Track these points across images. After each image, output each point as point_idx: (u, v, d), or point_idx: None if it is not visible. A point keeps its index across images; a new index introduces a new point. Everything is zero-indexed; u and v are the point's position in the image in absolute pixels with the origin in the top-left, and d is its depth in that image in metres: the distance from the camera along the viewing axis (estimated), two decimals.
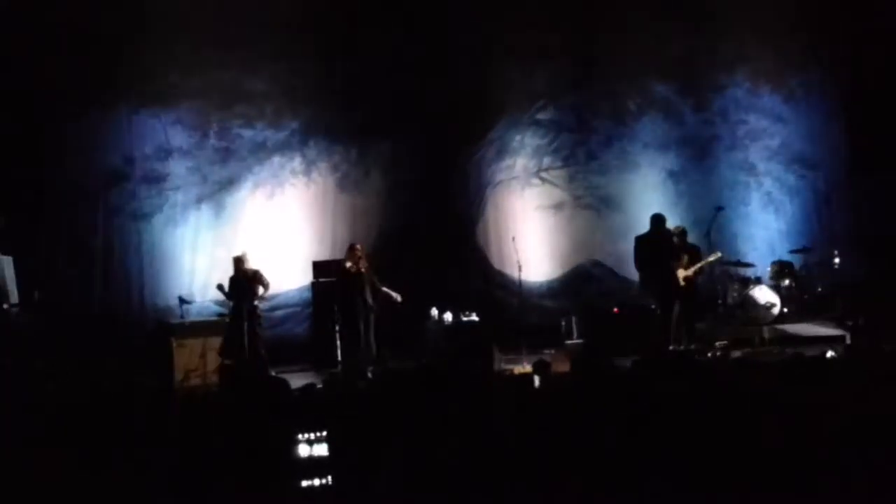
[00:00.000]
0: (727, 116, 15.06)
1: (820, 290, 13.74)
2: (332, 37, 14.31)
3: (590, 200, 14.95)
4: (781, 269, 13.58)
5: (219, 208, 14.16)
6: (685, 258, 12.37)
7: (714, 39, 14.90)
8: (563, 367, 11.03)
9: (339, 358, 12.34)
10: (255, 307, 12.14)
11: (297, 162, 14.46)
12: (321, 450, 6.46)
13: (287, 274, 13.97)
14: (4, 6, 13.16)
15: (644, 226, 12.60)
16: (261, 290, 12.18)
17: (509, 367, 11.52)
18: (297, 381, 10.43)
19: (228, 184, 14.24)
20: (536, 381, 7.72)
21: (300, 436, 6.50)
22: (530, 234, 14.56)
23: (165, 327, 12.49)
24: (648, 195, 14.68)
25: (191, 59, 13.92)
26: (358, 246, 12.61)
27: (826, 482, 5.76)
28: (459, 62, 14.58)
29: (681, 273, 12.30)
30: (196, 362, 12.10)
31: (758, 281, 13.41)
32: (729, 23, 14.85)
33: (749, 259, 13.91)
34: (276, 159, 14.40)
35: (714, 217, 13.73)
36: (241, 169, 14.26)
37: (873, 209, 14.36)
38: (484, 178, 14.86)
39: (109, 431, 6.57)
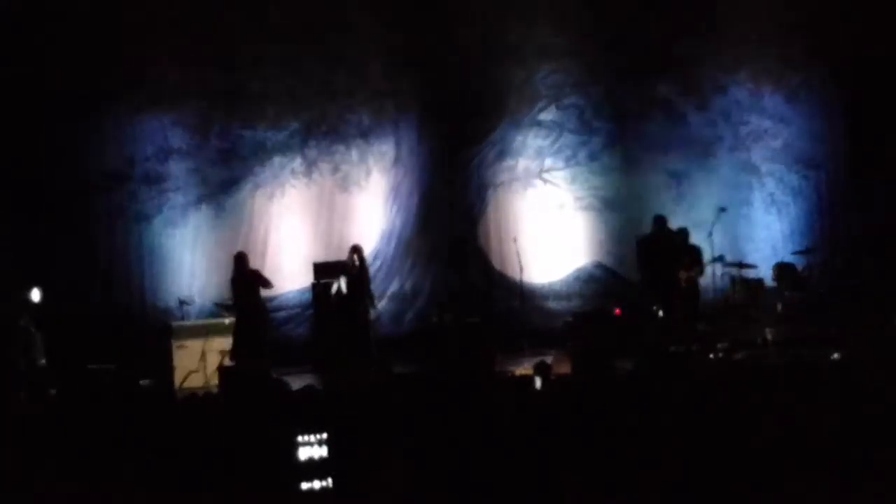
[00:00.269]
0: (729, 117, 15.01)
1: (823, 291, 13.69)
2: (332, 36, 14.28)
3: (591, 201, 14.91)
4: (784, 270, 13.53)
5: (219, 209, 14.13)
6: (687, 260, 12.36)
7: (716, 40, 14.85)
8: (564, 368, 11.03)
9: (340, 360, 12.29)
10: (259, 306, 12.13)
11: (297, 162, 14.43)
12: (321, 452, 6.43)
13: (287, 275, 13.94)
14: (4, 6, 13.15)
15: (646, 227, 12.57)
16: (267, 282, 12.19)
17: (510, 368, 11.47)
18: (297, 382, 10.44)
19: (229, 185, 14.21)
20: (538, 382, 7.69)
21: (300, 438, 6.48)
22: (532, 236, 14.52)
23: (165, 328, 12.47)
24: (650, 196, 14.64)
25: (191, 59, 13.90)
26: (359, 247, 12.59)
27: (827, 483, 5.74)
28: (460, 63, 14.55)
29: (682, 274, 12.28)
30: (196, 363, 12.08)
31: (759, 282, 13.38)
32: (731, 23, 14.80)
33: (751, 260, 13.86)
34: (277, 160, 14.37)
35: (716, 218, 13.70)
36: (241, 170, 14.23)
37: (876, 210, 14.31)
38: (485, 179, 14.83)
39: (109, 433, 6.55)
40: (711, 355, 11.75)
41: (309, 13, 14.17)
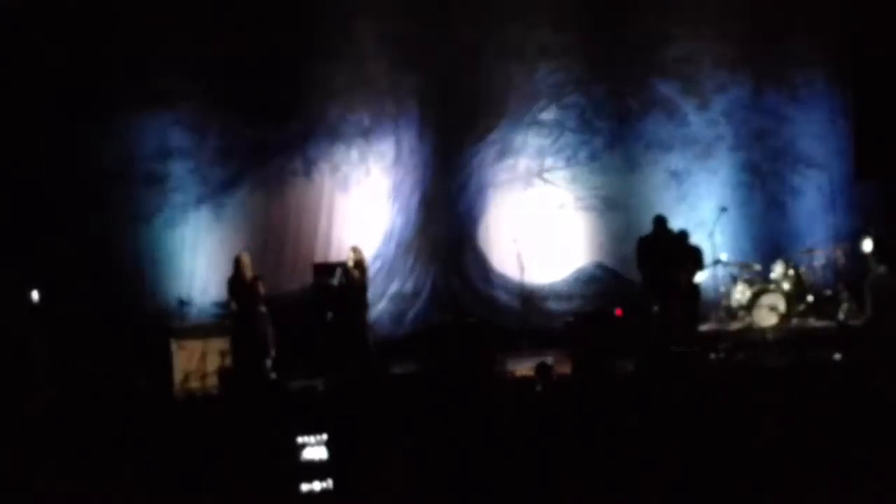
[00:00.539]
0: (731, 116, 14.98)
1: (825, 291, 13.68)
2: (332, 37, 14.27)
3: (592, 201, 14.89)
4: (785, 270, 13.52)
5: (219, 209, 14.11)
6: (687, 259, 12.36)
7: (717, 39, 14.83)
8: (565, 369, 11.03)
9: (340, 360, 12.29)
10: (258, 307, 12.14)
11: (297, 162, 14.42)
12: (321, 453, 6.42)
13: (287, 275, 13.93)
14: (4, 6, 13.15)
15: (647, 227, 12.55)
16: (262, 290, 12.18)
17: (510, 368, 11.46)
18: (297, 383, 10.43)
19: (229, 184, 14.20)
20: (538, 383, 7.69)
21: (300, 439, 6.47)
22: (532, 236, 14.50)
23: (165, 329, 12.45)
24: (651, 196, 14.62)
25: (190, 59, 13.89)
26: (358, 247, 12.59)
27: (827, 483, 5.73)
28: (460, 63, 14.54)
29: (683, 275, 12.27)
30: (196, 364, 12.07)
31: (761, 282, 13.37)
32: (732, 22, 14.78)
33: (753, 260, 13.86)
34: (277, 160, 14.36)
35: (718, 218, 13.69)
36: (241, 169, 14.22)
37: (878, 209, 14.30)
38: (485, 178, 14.82)
39: (109, 433, 6.54)
40: (711, 355, 11.75)
41: (309, 13, 14.16)
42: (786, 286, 13.35)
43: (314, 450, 6.43)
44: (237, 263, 12.24)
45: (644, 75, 14.83)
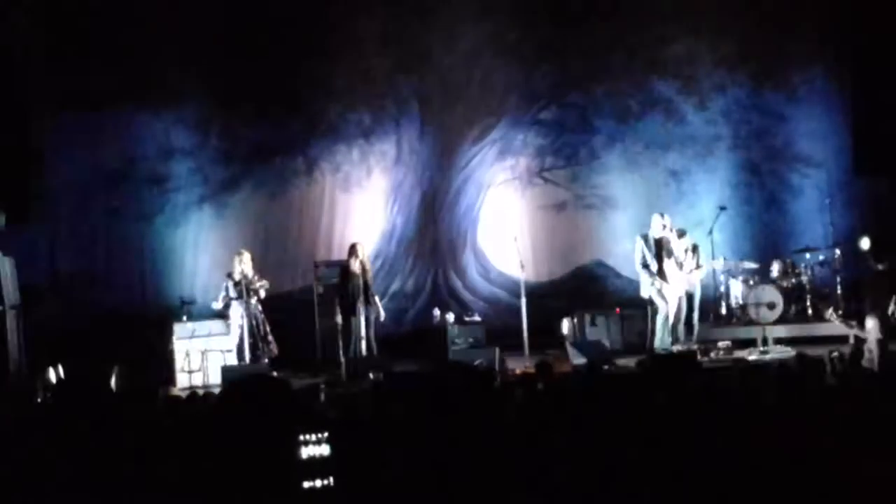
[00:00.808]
0: (729, 116, 15.00)
1: (823, 289, 13.70)
2: (333, 37, 14.29)
3: (592, 200, 14.93)
4: (784, 268, 13.54)
5: (221, 209, 14.16)
6: (688, 259, 12.39)
7: (716, 38, 14.85)
8: (565, 367, 11.06)
9: (341, 359, 12.32)
10: (260, 306, 12.19)
11: (298, 162, 14.46)
12: (323, 450, 6.44)
13: (289, 274, 13.97)
14: (4, 5, 13.17)
15: (646, 225, 12.58)
16: (262, 291, 12.21)
17: (511, 368, 11.49)
18: (298, 381, 10.47)
19: (230, 184, 14.25)
20: (539, 382, 7.72)
21: (301, 437, 6.49)
22: (532, 234, 14.54)
23: (167, 328, 12.48)
24: (651, 195, 14.65)
25: (192, 59, 13.92)
26: (359, 246, 12.61)
27: (827, 482, 5.74)
28: (460, 62, 14.56)
29: (682, 274, 12.30)
30: (197, 363, 12.10)
31: (760, 281, 13.39)
32: (731, 21, 14.80)
33: (752, 259, 13.88)
34: (278, 159, 14.40)
35: (717, 217, 13.71)
36: (242, 169, 14.26)
37: (877, 208, 14.31)
38: (486, 178, 14.85)
39: (109, 433, 6.56)
40: (712, 354, 11.79)
41: (309, 13, 14.18)
42: (784, 285, 13.37)
43: (315, 447, 6.45)
44: (239, 259, 12.30)
45: (643, 75, 14.85)
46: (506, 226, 14.41)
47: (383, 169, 14.65)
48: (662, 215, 12.46)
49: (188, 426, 6.90)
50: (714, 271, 13.48)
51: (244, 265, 12.20)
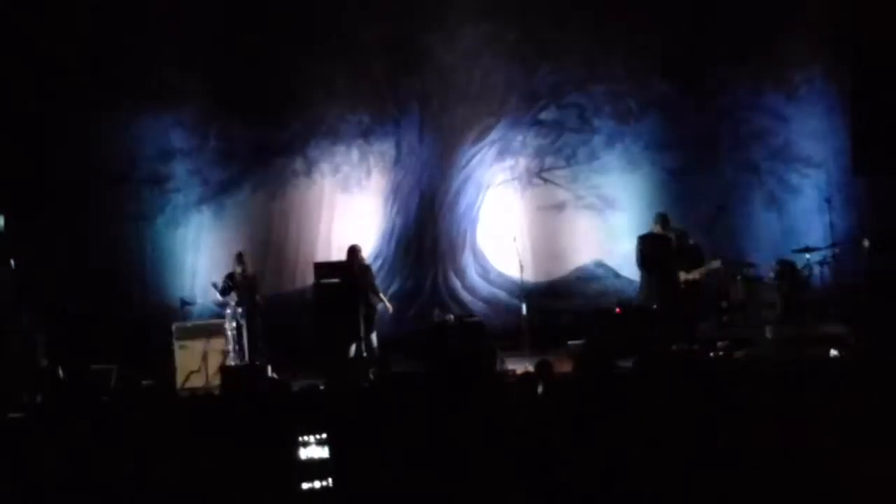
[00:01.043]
0: (729, 115, 15.00)
1: (823, 289, 13.69)
2: (332, 37, 14.30)
3: (592, 200, 14.92)
4: (784, 268, 13.53)
5: (220, 209, 14.17)
6: (689, 263, 12.39)
7: (715, 38, 14.85)
8: (565, 367, 11.04)
9: (341, 359, 12.31)
10: (257, 306, 12.19)
11: (298, 163, 14.46)
12: (322, 452, 6.44)
13: (288, 275, 13.97)
14: (5, 6, 13.18)
15: (646, 225, 12.57)
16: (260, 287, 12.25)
17: (511, 368, 11.48)
18: (298, 382, 10.45)
19: (230, 185, 14.26)
20: (539, 382, 7.70)
21: (301, 438, 6.49)
22: (532, 235, 14.54)
23: (167, 329, 12.48)
24: (650, 195, 14.64)
25: (192, 60, 13.93)
26: (359, 247, 12.61)
27: (827, 483, 5.74)
28: (460, 62, 14.57)
29: (682, 274, 12.29)
30: (197, 364, 12.10)
31: (760, 280, 13.38)
32: (730, 21, 14.80)
33: (751, 258, 13.87)
34: (278, 160, 14.41)
35: (716, 216, 13.70)
36: (242, 170, 14.27)
37: (876, 208, 14.31)
38: (485, 178, 14.85)
39: (110, 433, 6.56)
40: (711, 354, 11.77)
41: (309, 13, 14.19)
42: (784, 285, 13.35)
43: (314, 449, 6.45)
44: (239, 259, 12.31)
45: (643, 75, 14.85)
46: (505, 226, 14.40)
47: (383, 169, 14.65)
48: (662, 215, 12.45)
49: (188, 426, 6.90)
50: (714, 271, 13.47)
51: (244, 265, 12.21)
